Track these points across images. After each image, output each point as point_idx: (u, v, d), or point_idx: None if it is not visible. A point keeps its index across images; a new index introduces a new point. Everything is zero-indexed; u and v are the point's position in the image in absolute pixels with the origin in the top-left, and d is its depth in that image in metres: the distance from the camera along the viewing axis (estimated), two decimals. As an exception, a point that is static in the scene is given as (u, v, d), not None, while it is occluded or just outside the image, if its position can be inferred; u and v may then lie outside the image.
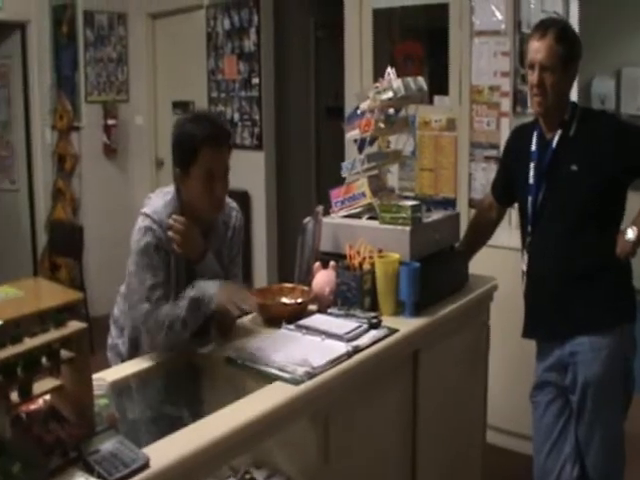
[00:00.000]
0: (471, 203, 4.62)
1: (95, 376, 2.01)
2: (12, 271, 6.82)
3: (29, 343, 1.77)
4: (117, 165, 7.42)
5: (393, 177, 4.26)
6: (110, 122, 7.18)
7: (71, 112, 7.04)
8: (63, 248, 6.52)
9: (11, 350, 1.74)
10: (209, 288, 2.55)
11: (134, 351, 2.71)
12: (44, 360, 1.81)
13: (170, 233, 2.57)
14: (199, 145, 2.52)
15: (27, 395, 1.80)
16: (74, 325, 1.86)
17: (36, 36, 7.06)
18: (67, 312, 6.08)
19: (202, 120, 2.60)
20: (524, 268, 3.07)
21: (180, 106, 6.98)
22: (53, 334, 1.83)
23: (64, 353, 1.84)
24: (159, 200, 2.66)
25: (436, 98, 4.75)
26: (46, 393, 1.87)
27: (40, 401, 1.90)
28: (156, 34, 7.32)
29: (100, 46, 7.18)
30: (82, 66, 7.06)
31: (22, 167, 7.33)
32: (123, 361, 2.71)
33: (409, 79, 3.11)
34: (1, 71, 7.35)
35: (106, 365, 2.74)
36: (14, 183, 7.45)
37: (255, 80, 6.38)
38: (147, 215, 2.60)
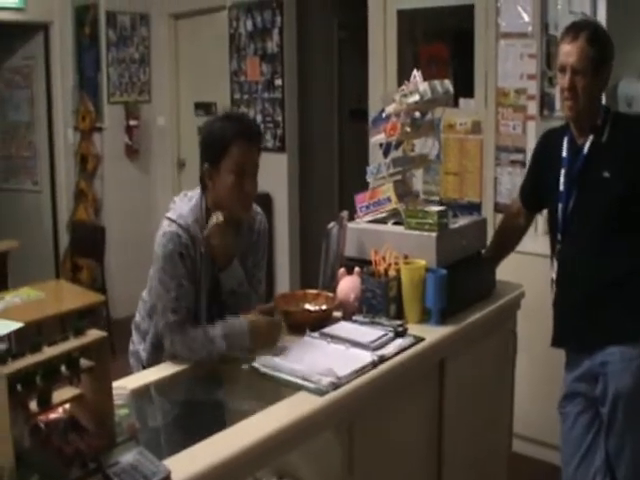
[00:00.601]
0: (497, 208, 4.57)
1: (115, 384, 1.98)
2: (34, 272, 6.82)
3: (48, 352, 1.73)
4: (139, 166, 7.41)
5: (417, 181, 4.21)
6: (132, 123, 7.18)
7: (93, 113, 7.05)
8: (85, 249, 6.52)
9: (30, 359, 1.69)
10: (240, 333, 2.51)
11: (155, 357, 2.67)
12: (63, 369, 1.77)
13: (207, 229, 2.55)
14: (231, 139, 2.52)
15: (46, 404, 1.77)
16: (94, 334, 1.82)
17: (59, 37, 7.07)
18: (88, 314, 6.11)
19: (234, 118, 2.61)
20: (554, 276, 3.00)
21: (202, 107, 6.96)
22: (73, 343, 1.78)
23: (84, 362, 1.81)
24: (184, 205, 2.63)
25: (461, 101, 4.70)
26: (66, 402, 1.83)
27: (60, 410, 1.86)
28: (178, 35, 7.30)
29: (122, 47, 7.18)
30: (104, 67, 7.07)
31: (44, 168, 7.34)
32: (144, 367, 2.68)
33: (436, 82, 3.06)
34: (24, 72, 7.38)
35: (127, 370, 2.71)
36: (37, 184, 7.46)
37: (278, 81, 6.35)
38: (173, 220, 2.57)
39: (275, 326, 2.60)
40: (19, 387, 1.67)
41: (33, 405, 1.75)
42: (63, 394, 1.81)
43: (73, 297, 5.27)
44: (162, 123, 7.41)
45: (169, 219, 2.58)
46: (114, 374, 2.32)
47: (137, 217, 7.03)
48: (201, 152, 2.62)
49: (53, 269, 7.29)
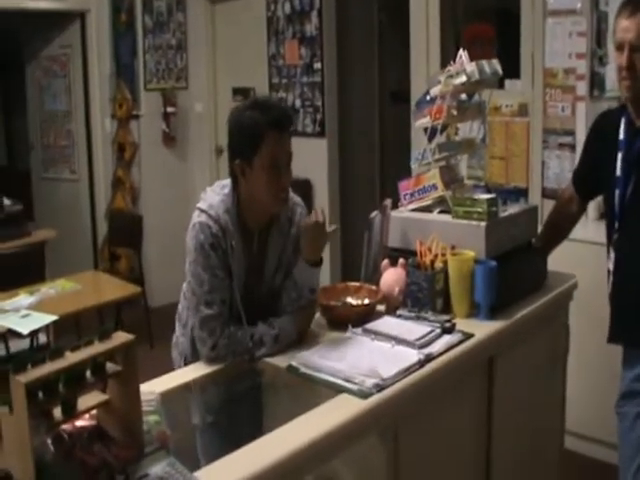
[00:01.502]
0: (544, 193, 4.51)
1: (145, 389, 1.89)
2: (72, 262, 6.83)
3: (71, 358, 1.65)
4: (176, 154, 7.40)
5: (461, 166, 4.10)
6: (169, 110, 7.18)
7: (130, 100, 7.04)
8: (123, 238, 6.52)
9: (51, 366, 1.61)
10: (289, 328, 2.50)
11: (194, 351, 2.58)
12: (88, 375, 1.70)
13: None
14: (263, 131, 2.40)
15: (71, 412, 1.70)
16: (120, 337, 1.75)
17: (95, 25, 7.07)
18: (126, 304, 6.09)
19: (263, 106, 2.47)
20: (610, 267, 2.85)
21: (240, 93, 6.90)
22: (97, 347, 1.71)
23: (110, 366, 1.74)
24: (215, 195, 2.54)
25: (507, 82, 4.65)
26: (91, 409, 1.77)
27: (86, 417, 1.79)
28: (215, 19, 7.25)
29: (159, 33, 7.16)
30: (141, 54, 7.07)
31: (82, 156, 7.35)
32: (186, 359, 2.63)
33: (483, 62, 2.96)
34: (61, 60, 7.38)
35: (165, 359, 2.70)
36: (74, 173, 7.47)
37: (317, 65, 6.29)
38: (203, 211, 2.48)
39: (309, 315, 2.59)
40: (40, 395, 1.60)
41: (57, 412, 1.68)
42: (89, 400, 1.74)
43: (110, 288, 5.25)
44: (199, 110, 7.40)
45: (199, 209, 2.50)
46: (153, 364, 2.23)
47: (174, 205, 7.00)
48: (230, 146, 2.51)
49: (91, 258, 7.32)
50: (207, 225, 2.44)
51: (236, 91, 6.99)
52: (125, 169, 7.15)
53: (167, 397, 2.14)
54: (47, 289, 4.69)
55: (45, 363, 1.60)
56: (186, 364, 2.59)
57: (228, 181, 2.57)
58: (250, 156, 2.43)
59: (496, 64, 3.03)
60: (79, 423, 1.77)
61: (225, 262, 2.46)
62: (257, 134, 2.40)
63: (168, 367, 2.58)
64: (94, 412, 1.79)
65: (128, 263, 6.87)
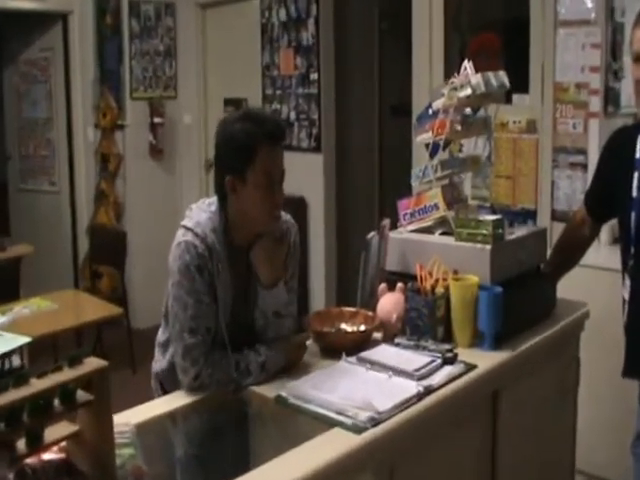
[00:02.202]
0: (554, 215, 4.49)
1: (119, 420, 1.87)
2: (51, 280, 6.83)
3: (37, 385, 1.61)
4: (164, 167, 7.39)
5: (465, 184, 4.11)
6: (157, 120, 7.16)
7: (115, 109, 7.05)
8: (105, 255, 6.48)
9: (15, 394, 1.57)
10: (277, 356, 2.49)
11: (172, 377, 2.55)
12: (56, 403, 1.66)
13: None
14: (257, 144, 2.37)
15: (36, 444, 1.66)
16: (93, 362, 1.71)
17: (78, 27, 7.09)
18: (108, 326, 6.07)
19: (255, 117, 2.45)
20: (625, 296, 2.81)
21: (232, 104, 6.89)
22: (67, 374, 1.67)
23: (81, 395, 1.70)
24: (202, 212, 2.51)
25: (515, 97, 4.64)
26: (59, 441, 1.73)
27: (53, 450, 1.75)
28: (206, 25, 7.25)
29: (146, 38, 7.16)
30: (127, 60, 7.06)
31: (63, 167, 7.35)
32: (164, 387, 2.61)
33: (489, 74, 2.95)
34: (42, 65, 7.39)
35: (149, 386, 2.68)
36: (54, 184, 7.47)
37: (313, 76, 6.28)
38: (188, 229, 2.45)
39: (301, 346, 2.59)
40: (2, 425, 1.57)
41: (21, 444, 1.64)
42: (57, 431, 1.71)
43: (90, 308, 5.24)
44: (189, 121, 7.39)
45: (185, 227, 2.47)
46: (134, 391, 2.18)
47: (161, 221, 6.96)
48: (219, 160, 2.49)
49: (71, 277, 7.31)
50: (193, 245, 2.41)
51: (228, 102, 6.97)
52: (109, 182, 7.14)
53: (144, 428, 2.11)
54: (21, 308, 4.66)
55: (8, 390, 1.56)
56: (165, 392, 2.56)
57: (214, 199, 2.54)
58: (242, 171, 2.40)
59: (503, 76, 3.01)
60: (45, 456, 1.73)
61: (211, 285, 2.44)
62: (250, 147, 2.37)
63: (151, 394, 2.56)
64: (62, 444, 1.75)
65: (110, 282, 6.84)
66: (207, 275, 2.42)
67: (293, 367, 2.51)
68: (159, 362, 2.65)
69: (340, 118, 6.47)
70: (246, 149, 2.37)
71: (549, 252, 3.17)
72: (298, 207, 6.06)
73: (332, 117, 6.36)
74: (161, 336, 2.67)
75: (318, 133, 6.29)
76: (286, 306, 2.56)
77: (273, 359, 2.45)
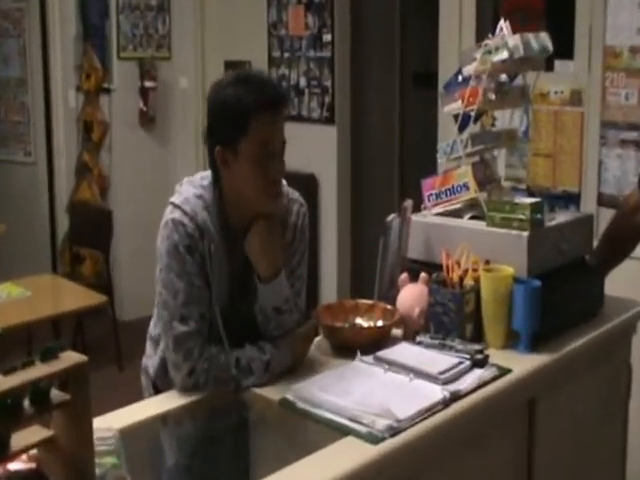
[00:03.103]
0: (601, 200, 4.48)
1: (101, 424, 1.89)
2: (26, 263, 6.85)
3: (4, 383, 1.60)
4: (155, 137, 7.39)
5: (498, 163, 4.11)
6: (148, 84, 7.14)
7: (100, 70, 7.04)
8: (88, 236, 6.50)
9: None
10: (283, 354, 2.50)
11: (165, 374, 2.55)
12: (27, 405, 1.65)
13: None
14: (250, 111, 2.38)
15: (3, 451, 1.65)
16: (70, 357, 1.69)
17: (58, -27, 7.10)
18: (90, 317, 6.09)
19: (251, 81, 2.46)
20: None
21: (234, 67, 6.86)
22: (39, 370, 1.66)
23: (55, 395, 1.69)
24: (192, 188, 2.53)
25: (557, 63, 4.62)
26: (30, 448, 1.72)
27: (22, 458, 1.76)
28: (206, -23, 7.26)
29: (137, -11, 7.19)
30: (114, 14, 7.05)
31: (40, 136, 7.33)
32: (156, 386, 2.62)
33: (530, 36, 2.94)
34: (14, 17, 7.39)
35: (136, 385, 2.70)
36: (30, 155, 7.48)
37: (326, 37, 6.28)
38: (176, 206, 2.47)
39: (307, 337, 2.61)
40: None
41: None
42: (27, 437, 1.69)
43: (70, 296, 5.25)
44: (184, 85, 7.38)
45: (172, 204, 2.49)
46: (121, 391, 2.19)
47: (152, 198, 6.93)
48: (210, 129, 2.50)
49: (49, 260, 7.28)
50: (181, 223, 2.43)
51: (229, 65, 6.94)
52: (92, 153, 7.13)
53: (130, 434, 2.12)
54: (-12, 295, 4.67)
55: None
56: (157, 392, 2.57)
57: (209, 172, 2.56)
58: (234, 142, 2.41)
59: (545, 39, 2.99)
60: (12, 466, 1.73)
61: (203, 268, 2.45)
62: (244, 115, 2.38)
63: (139, 395, 2.58)
64: (33, 452, 1.75)
65: (93, 267, 6.85)
66: (198, 257, 2.43)
67: (299, 363, 2.52)
68: (151, 358, 2.66)
69: (356, 85, 6.46)
70: (239, 116, 2.39)
71: (595, 242, 3.16)
72: (307, 185, 6.05)
73: (347, 84, 6.36)
74: (153, 329, 2.68)
75: (331, 102, 6.28)
76: (287, 301, 2.55)
77: (279, 358, 2.45)
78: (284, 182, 2.62)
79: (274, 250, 2.51)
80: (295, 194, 2.69)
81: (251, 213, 2.50)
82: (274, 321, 2.52)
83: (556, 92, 4.65)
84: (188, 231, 2.42)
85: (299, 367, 2.51)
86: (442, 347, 2.56)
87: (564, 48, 4.51)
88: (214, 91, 2.48)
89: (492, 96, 2.96)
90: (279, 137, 2.45)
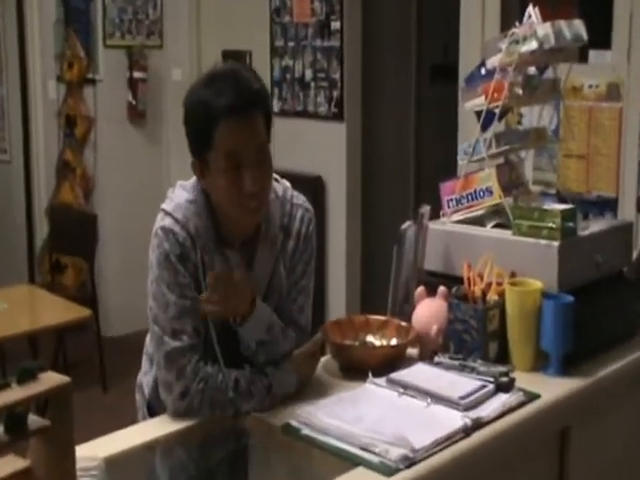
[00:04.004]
0: None
1: (85, 453, 1.90)
2: (1, 272, 6.83)
3: None
4: (146, 133, 7.41)
5: (525, 165, 4.12)
6: (137, 75, 7.15)
7: (84, 59, 7.05)
8: (70, 243, 6.47)
9: None
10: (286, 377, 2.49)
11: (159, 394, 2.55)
12: (1, 431, 1.66)
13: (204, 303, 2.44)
14: (214, 118, 2.39)
15: None
16: (50, 379, 1.69)
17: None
18: (72, 333, 6.08)
19: (217, 82, 2.45)
20: None
21: (232, 57, 6.85)
22: (15, 393, 1.66)
23: (33, 420, 1.68)
24: (185, 193, 2.55)
25: (592, 53, 4.63)
26: None
27: None
28: (202, -43, 7.29)
29: (124, -31, 7.21)
30: None
31: (16, 131, 7.33)
32: (151, 407, 2.63)
33: (561, 23, 2.94)
34: (-14, -1, 7.41)
35: (123, 408, 2.75)
36: (4, 152, 7.49)
37: (335, 25, 6.28)
38: (167, 213, 2.50)
39: (312, 354, 2.60)
40: None
41: None
42: (2, 467, 1.69)
43: (49, 310, 5.24)
44: (178, 77, 7.37)
45: (163, 211, 2.51)
46: (105, 415, 2.18)
47: (141, 202, 6.96)
48: (187, 138, 2.52)
49: (26, 269, 7.27)
50: (172, 231, 2.45)
51: (227, 55, 6.93)
52: (76, 151, 7.14)
53: (117, 463, 2.13)
54: (-40, 308, 4.67)
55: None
56: (152, 414, 2.58)
57: None
58: (202, 152, 2.44)
59: (579, 26, 3.00)
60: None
61: (196, 280, 2.46)
62: (208, 123, 2.40)
63: (126, 418, 2.56)
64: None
65: (76, 277, 6.86)
66: (191, 267, 2.45)
67: (305, 384, 2.52)
68: (147, 375, 2.68)
69: (367, 78, 6.47)
70: (203, 125, 2.41)
71: (634, 253, 3.16)
72: (314, 188, 6.05)
73: (358, 77, 6.37)
74: (149, 343, 2.68)
75: (340, 97, 6.28)
76: (269, 329, 2.51)
77: (282, 381, 2.46)
78: (287, 184, 2.63)
79: (240, 299, 2.47)
80: (300, 198, 2.69)
81: (239, 222, 2.52)
82: (261, 353, 2.51)
83: (591, 86, 4.66)
84: (179, 239, 2.43)
85: (304, 389, 2.51)
86: (463, 369, 2.56)
87: (600, 37, 4.51)
88: (186, 94, 2.49)
89: (519, 91, 2.97)
90: (252, 143, 2.43)
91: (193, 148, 2.47)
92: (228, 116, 2.38)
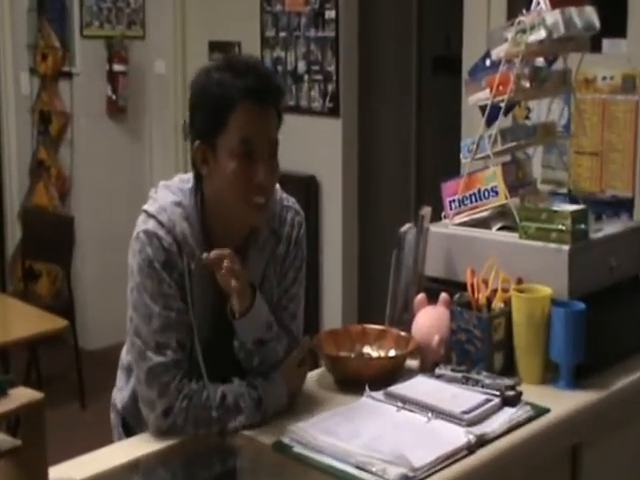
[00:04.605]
0: None
1: (58, 474, 1.91)
2: None
3: None
4: (127, 130, 7.41)
5: (533, 162, 4.12)
6: (117, 68, 7.15)
7: (60, 50, 7.07)
8: (44, 248, 6.47)
9: None
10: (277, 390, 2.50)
11: (136, 409, 2.55)
12: None
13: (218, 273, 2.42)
14: (233, 100, 2.39)
15: None
16: (22, 395, 1.69)
17: None
18: (47, 345, 6.06)
19: (238, 65, 2.47)
20: None
21: (220, 48, 6.92)
22: None
23: (3, 440, 1.69)
24: (170, 194, 2.53)
25: (606, 43, 4.61)
26: None
27: None
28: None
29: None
30: None
31: None
32: (127, 425, 2.64)
33: (572, 10, 2.95)
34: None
35: (102, 426, 2.72)
36: None
37: (330, 13, 6.27)
38: (150, 215, 2.47)
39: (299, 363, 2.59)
40: None
41: None
42: None
43: (22, 321, 5.20)
44: (161, 70, 7.41)
45: (146, 213, 2.49)
46: (84, 433, 2.18)
47: (122, 204, 6.97)
48: (190, 120, 2.51)
49: (-2, 275, 7.28)
50: (156, 235, 2.43)
51: (214, 46, 6.99)
52: (50, 149, 7.16)
53: None
54: None
55: None
56: (128, 433, 2.58)
57: (191, 175, 2.56)
58: (213, 135, 2.42)
59: (591, 13, 3.01)
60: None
61: (183, 290, 2.45)
62: (225, 103, 2.40)
63: (106, 437, 2.56)
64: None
65: (51, 285, 6.87)
66: (177, 275, 2.43)
67: (294, 395, 2.53)
68: (122, 391, 2.67)
69: (365, 71, 6.47)
70: (218, 104, 2.40)
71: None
72: (307, 189, 6.08)
73: (355, 70, 6.36)
74: (125, 357, 2.68)
75: (335, 91, 6.28)
76: (269, 327, 2.53)
77: (273, 394, 2.45)
78: (277, 186, 2.61)
79: (241, 286, 2.46)
80: (290, 200, 2.68)
81: (236, 224, 2.52)
82: (257, 355, 2.51)
83: (604, 77, 4.63)
84: (164, 245, 2.42)
85: (296, 404, 2.51)
86: (466, 381, 2.56)
87: (614, 24, 4.48)
88: (197, 75, 2.49)
89: (526, 84, 2.97)
90: (267, 135, 2.45)
91: (201, 131, 2.45)
92: (247, 99, 2.38)
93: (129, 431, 2.59)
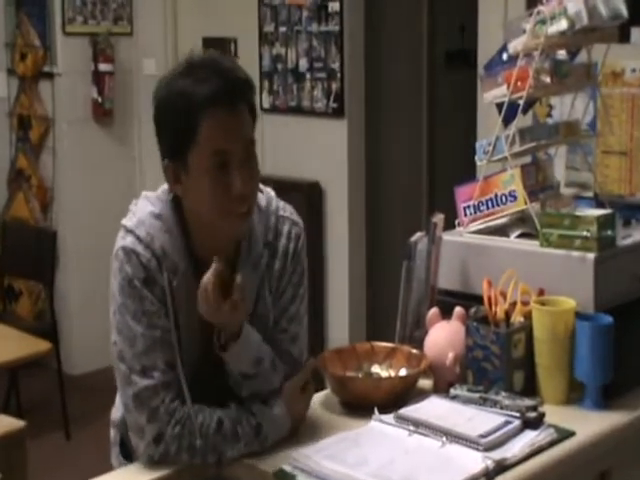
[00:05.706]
0: None
1: None
2: None
3: None
4: (114, 135, 7.44)
5: (555, 164, 4.12)
6: (103, 68, 7.17)
7: (40, 49, 7.09)
8: (24, 264, 6.52)
9: None
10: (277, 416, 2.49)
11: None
12: None
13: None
14: (198, 111, 2.38)
15: None
16: (1, 423, 1.66)
17: None
18: (29, 370, 6.09)
19: (198, 68, 2.45)
20: None
21: (214, 45, 6.87)
22: None
23: None
24: (150, 206, 2.53)
25: (635, 32, 4.61)
26: None
27: None
28: None
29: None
30: None
31: None
32: (126, 446, 2.62)
33: None
34: None
35: (87, 456, 2.79)
36: None
37: (333, 5, 6.29)
38: (128, 230, 2.48)
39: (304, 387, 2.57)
40: None
41: None
42: None
43: (1, 344, 5.19)
44: (151, 70, 7.41)
45: (124, 228, 2.50)
46: (68, 463, 2.18)
47: (109, 216, 6.79)
48: (157, 139, 2.52)
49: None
50: (133, 252, 2.44)
51: (208, 43, 6.97)
52: (30, 157, 7.18)
53: None
54: None
55: None
56: (126, 452, 2.60)
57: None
58: (182, 152, 2.42)
59: (618, 0, 3.01)
60: None
61: (166, 308, 2.45)
62: (190, 116, 2.38)
63: (93, 469, 2.52)
64: None
65: (32, 304, 6.89)
66: (159, 292, 2.44)
67: (299, 422, 2.52)
68: (120, 409, 2.65)
69: (372, 68, 6.50)
70: (183, 118, 2.39)
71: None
72: (310, 196, 6.05)
73: (361, 67, 6.40)
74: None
75: (340, 90, 6.30)
76: (258, 363, 2.51)
77: (273, 421, 2.45)
78: (272, 194, 2.63)
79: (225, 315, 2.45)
80: (287, 210, 2.67)
81: (219, 235, 2.51)
82: (245, 387, 2.51)
83: (634, 70, 4.64)
84: (142, 261, 2.43)
85: (299, 429, 2.51)
86: (483, 402, 2.56)
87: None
88: (158, 87, 2.48)
89: (546, 79, 2.98)
90: (240, 140, 2.44)
91: (168, 148, 2.46)
92: (213, 107, 2.37)
93: (127, 449, 2.60)
